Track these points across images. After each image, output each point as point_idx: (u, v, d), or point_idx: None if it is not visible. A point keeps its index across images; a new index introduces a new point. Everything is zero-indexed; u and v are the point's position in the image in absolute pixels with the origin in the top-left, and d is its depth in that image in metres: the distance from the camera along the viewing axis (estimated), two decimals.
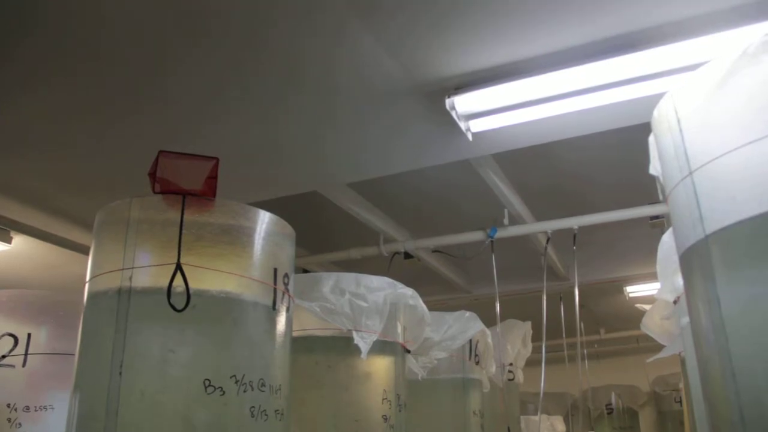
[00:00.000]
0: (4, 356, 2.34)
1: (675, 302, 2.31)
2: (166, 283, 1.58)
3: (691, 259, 1.35)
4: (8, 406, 2.31)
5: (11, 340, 2.38)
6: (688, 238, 1.34)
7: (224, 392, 1.56)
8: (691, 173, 1.31)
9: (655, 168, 1.65)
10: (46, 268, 4.49)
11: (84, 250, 1.75)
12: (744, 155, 1.20)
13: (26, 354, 2.38)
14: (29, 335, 2.41)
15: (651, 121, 1.48)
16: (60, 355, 2.40)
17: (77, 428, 1.60)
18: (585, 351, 4.81)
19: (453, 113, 2.61)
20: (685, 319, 2.15)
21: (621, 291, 5.22)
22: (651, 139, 1.66)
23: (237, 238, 1.71)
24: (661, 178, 1.58)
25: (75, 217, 3.75)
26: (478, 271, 4.98)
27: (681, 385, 5.08)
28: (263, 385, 1.64)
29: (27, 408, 2.33)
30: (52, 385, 2.39)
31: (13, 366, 2.35)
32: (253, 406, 1.61)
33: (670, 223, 2.21)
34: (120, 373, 1.55)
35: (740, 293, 1.22)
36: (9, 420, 2.29)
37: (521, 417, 4.11)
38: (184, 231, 1.63)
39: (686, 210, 1.33)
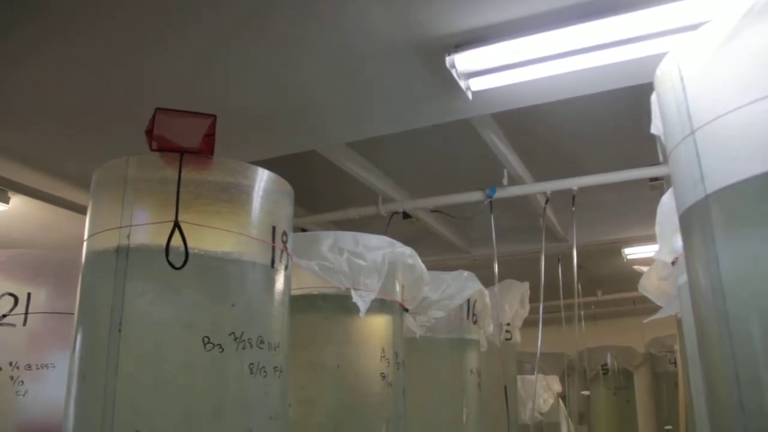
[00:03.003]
0: (4, 315, 2.35)
1: (673, 263, 2.32)
2: (164, 241, 1.58)
3: (691, 219, 1.34)
4: (10, 364, 2.33)
5: (11, 299, 2.38)
6: (689, 197, 1.33)
7: (223, 349, 1.57)
8: (693, 132, 1.30)
9: (656, 127, 1.63)
10: (45, 229, 4.49)
11: (82, 210, 1.75)
12: (747, 114, 1.19)
13: (26, 313, 2.39)
14: (29, 295, 2.42)
15: (654, 80, 1.47)
16: (60, 314, 2.41)
17: (77, 386, 1.61)
18: (582, 312, 4.85)
19: (453, 72, 2.58)
20: (683, 280, 2.16)
21: (619, 253, 5.24)
22: (653, 98, 1.64)
23: (235, 196, 1.70)
24: (662, 138, 1.57)
25: (73, 176, 3.73)
26: (477, 232, 4.99)
27: (676, 347, 5.11)
28: (262, 342, 1.65)
29: (29, 366, 2.34)
30: (53, 344, 2.40)
31: (13, 325, 2.37)
32: (252, 363, 1.62)
33: (670, 185, 2.20)
34: (119, 331, 1.55)
35: (739, 253, 1.22)
36: (11, 378, 2.31)
37: (518, 376, 4.16)
38: (181, 189, 1.62)
39: (687, 169, 1.32)
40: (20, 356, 2.35)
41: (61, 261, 2.55)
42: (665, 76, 1.40)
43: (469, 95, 2.74)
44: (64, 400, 1.64)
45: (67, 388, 1.65)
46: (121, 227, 1.63)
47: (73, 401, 1.61)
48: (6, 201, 3.81)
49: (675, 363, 6.19)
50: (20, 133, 3.28)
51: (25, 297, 2.41)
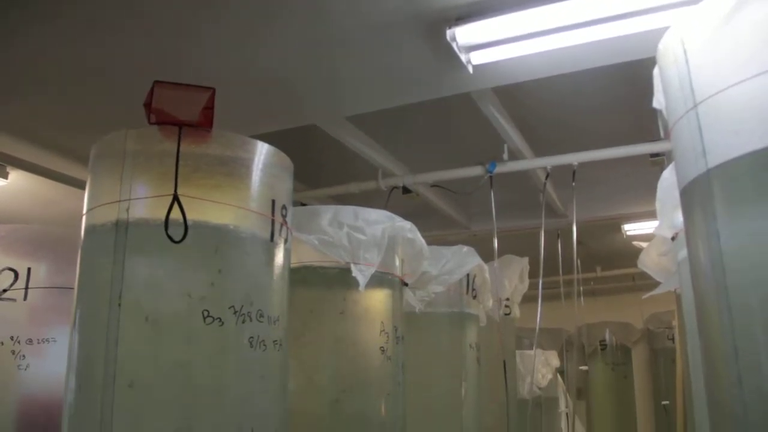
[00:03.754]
0: (5, 290, 2.36)
1: (673, 239, 2.32)
2: (163, 214, 1.58)
3: (692, 194, 1.34)
4: (11, 338, 2.34)
5: (11, 274, 2.39)
6: (690, 172, 1.33)
7: (223, 323, 1.58)
8: (695, 106, 1.29)
9: (658, 101, 1.62)
10: (44, 204, 4.48)
11: (82, 186, 1.74)
12: (750, 88, 1.18)
13: (27, 288, 2.40)
14: (29, 270, 2.42)
15: (656, 54, 1.45)
16: (60, 289, 2.41)
17: (78, 360, 1.62)
18: (581, 288, 4.86)
19: (454, 45, 2.56)
20: (683, 255, 2.16)
21: (619, 229, 5.23)
22: (655, 71, 1.63)
23: (234, 169, 1.70)
24: (664, 112, 1.56)
25: (72, 151, 3.71)
26: (477, 207, 4.98)
27: (674, 323, 5.13)
28: (261, 316, 1.66)
29: (30, 341, 2.35)
30: (54, 318, 2.41)
31: (14, 300, 2.37)
32: (252, 337, 1.63)
33: (671, 161, 2.19)
34: (119, 305, 1.56)
35: (740, 228, 1.22)
36: (13, 352, 2.33)
37: (517, 351, 4.18)
38: (180, 162, 1.61)
39: (689, 143, 1.32)
40: (21, 331, 2.37)
41: (60, 236, 2.55)
42: (668, 50, 1.39)
43: (470, 69, 2.72)
44: (65, 374, 1.65)
45: (68, 362, 1.65)
46: (120, 201, 1.63)
47: (74, 375, 1.62)
48: (5, 176, 3.80)
49: (673, 339, 6.23)
50: (18, 107, 3.26)
51: (25, 272, 2.42)
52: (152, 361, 1.57)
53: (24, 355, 2.34)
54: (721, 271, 1.23)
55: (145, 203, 1.63)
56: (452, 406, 3.07)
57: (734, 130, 1.20)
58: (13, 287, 2.38)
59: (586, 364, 6.21)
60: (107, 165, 1.72)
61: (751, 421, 1.15)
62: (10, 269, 2.40)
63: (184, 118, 1.64)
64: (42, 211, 4.58)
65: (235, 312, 1.60)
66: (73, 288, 1.72)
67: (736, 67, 1.20)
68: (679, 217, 2.16)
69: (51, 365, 2.32)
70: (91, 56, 2.79)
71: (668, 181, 2.22)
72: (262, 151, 1.76)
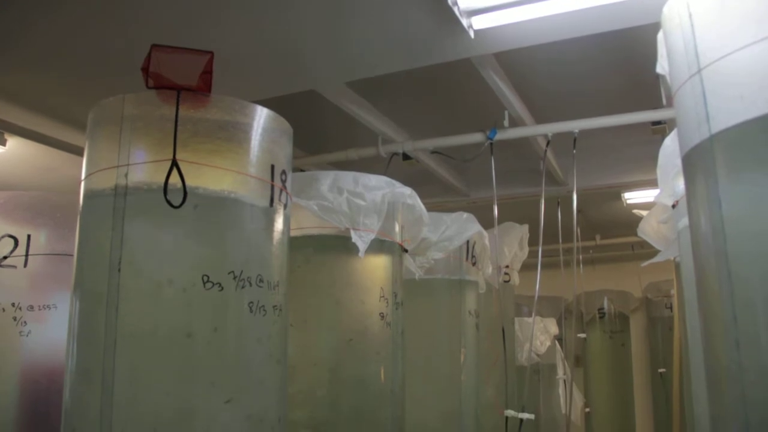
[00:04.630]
0: (5, 257, 2.36)
1: (673, 206, 2.32)
2: (162, 180, 1.57)
3: (695, 160, 1.33)
4: (13, 305, 2.35)
5: (11, 241, 2.39)
6: (693, 138, 1.32)
7: (222, 288, 1.58)
8: (699, 70, 1.27)
9: (662, 66, 1.61)
10: (43, 171, 4.45)
11: (80, 152, 1.74)
12: (755, 52, 1.17)
13: (27, 255, 2.40)
14: (29, 236, 2.42)
15: (661, 17, 1.43)
16: (60, 255, 2.42)
17: (79, 326, 1.63)
18: (580, 256, 4.87)
19: (455, 9, 2.52)
20: (683, 223, 2.16)
21: (619, 197, 5.23)
22: (659, 36, 1.61)
23: (233, 134, 1.68)
24: (667, 78, 1.55)
25: (70, 118, 3.68)
26: (477, 175, 4.96)
27: (672, 292, 5.16)
28: (261, 281, 1.66)
29: (31, 307, 2.36)
30: (54, 285, 2.41)
31: (14, 267, 2.37)
32: (252, 302, 1.63)
33: (672, 129, 2.18)
34: (118, 270, 1.56)
35: (742, 194, 1.22)
36: (14, 319, 2.34)
37: (515, 318, 4.20)
38: (179, 127, 1.60)
39: (692, 109, 1.31)
40: (22, 297, 2.37)
41: (60, 202, 2.54)
42: (673, 14, 1.37)
43: (471, 34, 2.68)
44: (66, 340, 1.66)
45: (68, 329, 1.66)
46: (118, 166, 1.62)
47: (75, 341, 1.63)
48: (3, 143, 3.77)
49: (670, 308, 6.26)
50: (15, 73, 3.23)
51: (25, 239, 2.42)
52: (152, 326, 1.57)
53: (25, 322, 2.35)
54: (721, 237, 1.22)
55: (144, 168, 1.62)
56: (451, 372, 3.10)
57: (739, 95, 1.19)
58: (13, 254, 2.38)
59: (584, 332, 6.24)
60: (105, 130, 1.71)
61: (747, 385, 1.16)
62: (10, 236, 2.40)
63: (183, 83, 1.62)
64: (41, 178, 4.56)
65: (235, 277, 1.60)
66: (73, 255, 1.72)
67: (742, 30, 1.19)
68: (680, 185, 2.16)
69: (52, 331, 2.33)
70: (89, 22, 2.76)
71: (670, 148, 2.21)
72: (261, 115, 1.74)
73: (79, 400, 1.59)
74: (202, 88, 1.64)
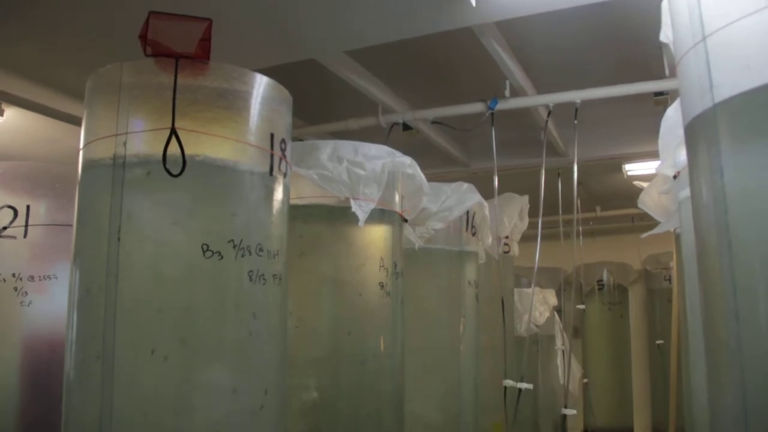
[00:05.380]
0: (4, 228, 2.36)
1: (675, 177, 2.31)
2: (161, 148, 1.56)
3: (697, 129, 1.32)
4: (13, 275, 2.35)
5: (11, 212, 2.38)
6: (696, 107, 1.30)
7: (222, 257, 1.58)
8: (704, 38, 1.26)
9: (666, 35, 1.59)
10: (42, 142, 4.42)
11: (80, 123, 1.73)
12: (762, 19, 1.15)
13: (26, 225, 2.39)
14: (28, 207, 2.42)
15: None
16: (60, 226, 2.41)
17: (79, 295, 1.63)
18: (580, 228, 4.87)
19: None
20: (684, 194, 2.15)
21: (619, 169, 5.21)
22: (664, 4, 1.60)
23: (232, 102, 1.67)
24: (671, 46, 1.53)
25: (68, 87, 3.65)
26: (477, 145, 4.94)
27: (671, 264, 5.17)
28: (261, 250, 1.66)
29: (31, 278, 2.37)
30: (55, 255, 2.41)
31: (14, 237, 2.38)
32: (251, 271, 1.63)
33: (675, 100, 2.16)
34: (118, 239, 1.55)
35: (745, 164, 1.21)
36: (15, 289, 2.34)
37: (515, 289, 4.21)
38: (177, 95, 1.59)
39: (696, 77, 1.29)
40: (23, 268, 2.38)
41: (59, 173, 2.54)
42: None
43: (473, 2, 2.65)
44: (67, 310, 1.66)
45: (69, 298, 1.66)
46: (117, 135, 1.61)
47: (76, 311, 1.63)
48: (0, 114, 3.75)
49: (669, 280, 6.28)
50: (12, 43, 3.20)
51: (25, 209, 2.41)
52: (153, 294, 1.57)
53: (26, 292, 2.36)
54: (723, 207, 1.22)
55: (143, 137, 1.61)
56: (451, 342, 3.11)
57: (744, 63, 1.18)
58: (12, 225, 2.38)
59: (583, 304, 6.25)
60: (103, 99, 1.70)
61: (746, 355, 1.17)
62: (9, 207, 2.39)
63: (181, 50, 1.61)
64: (40, 149, 4.53)
65: (235, 246, 1.60)
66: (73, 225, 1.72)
67: None
68: (681, 156, 2.15)
69: (53, 301, 2.34)
70: None
71: (672, 119, 2.20)
72: (260, 83, 1.73)
73: (80, 370, 1.59)
74: (201, 55, 1.62)
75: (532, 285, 3.74)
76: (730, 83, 1.20)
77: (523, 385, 3.26)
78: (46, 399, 2.31)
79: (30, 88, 3.65)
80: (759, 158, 1.18)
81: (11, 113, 3.83)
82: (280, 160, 1.76)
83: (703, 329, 1.35)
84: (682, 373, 2.77)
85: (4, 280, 2.35)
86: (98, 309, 1.54)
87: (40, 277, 2.39)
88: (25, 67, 3.46)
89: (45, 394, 2.33)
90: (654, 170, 2.53)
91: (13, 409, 2.38)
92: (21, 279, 2.36)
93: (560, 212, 4.59)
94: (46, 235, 2.44)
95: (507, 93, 3.62)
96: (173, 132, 1.56)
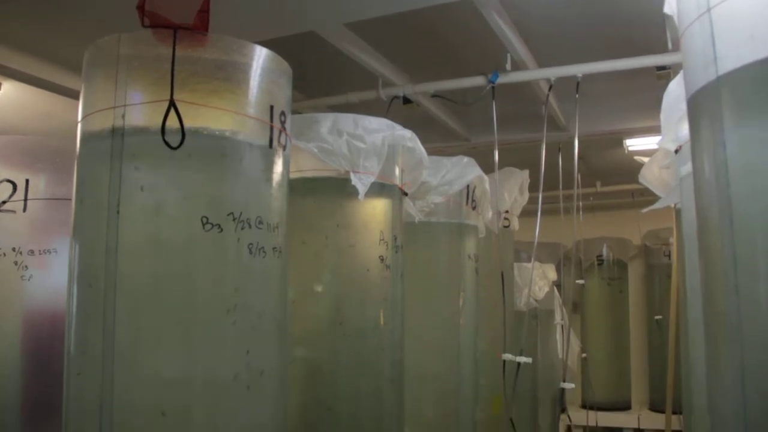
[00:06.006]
0: (4, 202, 2.35)
1: (676, 152, 2.30)
2: (159, 120, 1.55)
3: (700, 102, 1.32)
4: (13, 249, 2.35)
5: (10, 186, 2.38)
6: (699, 80, 1.30)
7: (222, 229, 1.58)
8: (709, 9, 1.25)
9: (669, 6, 1.57)
10: (40, 117, 4.39)
11: (77, 96, 1.72)
12: None
13: (26, 199, 2.39)
14: (27, 181, 2.41)
15: None
16: (60, 200, 2.41)
17: (79, 269, 1.63)
18: (580, 203, 4.86)
19: None
20: (685, 169, 2.15)
21: (620, 144, 5.19)
22: None
23: (232, 74, 1.66)
24: (675, 18, 1.52)
25: (67, 60, 3.62)
26: (478, 119, 4.91)
27: (671, 240, 5.17)
28: (261, 222, 1.65)
29: (31, 252, 2.37)
30: (54, 229, 2.41)
31: (14, 212, 2.37)
32: (251, 243, 1.63)
33: (678, 75, 2.14)
34: (117, 212, 1.55)
35: (748, 138, 1.20)
36: (15, 263, 2.34)
37: (515, 264, 4.22)
38: (176, 67, 1.57)
39: (699, 50, 1.28)
40: (23, 242, 2.37)
41: (58, 147, 2.53)
42: None
43: None
44: (67, 284, 1.66)
45: (68, 272, 1.66)
46: (115, 107, 1.60)
47: (75, 285, 1.63)
48: None
49: (669, 255, 6.29)
50: (8, 15, 3.16)
51: (24, 183, 2.41)
52: (152, 268, 1.58)
53: (26, 266, 2.35)
54: (725, 180, 1.22)
55: (141, 109, 1.60)
56: (450, 316, 3.13)
57: (749, 35, 1.17)
58: (11, 199, 2.37)
59: (582, 278, 6.26)
60: (101, 70, 1.68)
61: (745, 329, 1.17)
62: (8, 181, 2.39)
63: (179, 21, 1.59)
64: (38, 124, 4.50)
65: (234, 219, 1.59)
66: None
67: None
68: (683, 130, 2.14)
69: (54, 276, 2.34)
70: None
71: (674, 93, 2.19)
72: (260, 55, 1.72)
73: (81, 344, 1.60)
74: (200, 26, 1.61)
75: (532, 259, 3.75)
76: (734, 55, 1.20)
77: (522, 359, 3.28)
78: (48, 374, 2.32)
79: (27, 62, 3.62)
80: (762, 132, 1.17)
81: (8, 87, 3.80)
82: (280, 132, 1.75)
83: (703, 303, 1.35)
84: (681, 348, 2.78)
85: (4, 255, 2.35)
86: (98, 283, 1.54)
87: (40, 251, 2.39)
88: (21, 40, 3.43)
89: (46, 368, 2.34)
90: (655, 146, 2.52)
91: (14, 383, 2.39)
92: (21, 253, 2.36)
93: (560, 187, 4.57)
94: (46, 209, 2.43)
95: (508, 66, 3.60)
96: (172, 104, 1.55)
